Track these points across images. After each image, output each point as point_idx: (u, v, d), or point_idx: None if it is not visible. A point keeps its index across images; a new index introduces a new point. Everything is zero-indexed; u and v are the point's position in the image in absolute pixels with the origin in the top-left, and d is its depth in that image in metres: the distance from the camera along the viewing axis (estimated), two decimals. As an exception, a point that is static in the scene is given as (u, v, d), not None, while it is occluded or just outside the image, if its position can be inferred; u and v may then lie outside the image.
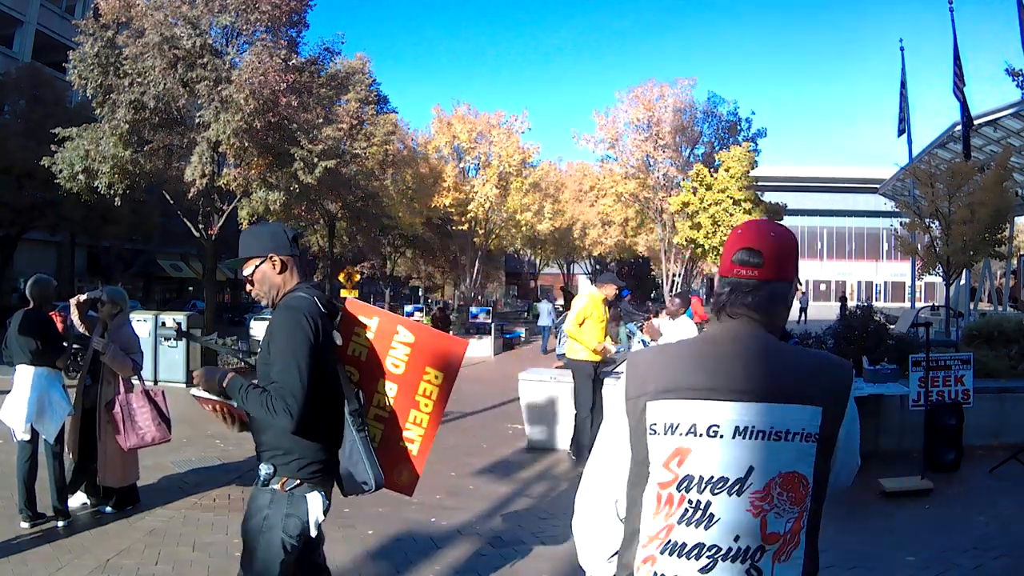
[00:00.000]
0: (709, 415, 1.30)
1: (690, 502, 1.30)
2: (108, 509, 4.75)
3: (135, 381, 4.69)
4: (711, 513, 1.29)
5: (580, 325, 6.61)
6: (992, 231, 12.39)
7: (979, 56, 78.16)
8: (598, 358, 6.58)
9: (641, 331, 7.85)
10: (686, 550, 1.30)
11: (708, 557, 1.28)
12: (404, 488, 4.42)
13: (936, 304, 13.69)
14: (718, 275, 1.51)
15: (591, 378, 6.47)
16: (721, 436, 1.30)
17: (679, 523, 1.30)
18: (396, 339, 4.27)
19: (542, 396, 7.12)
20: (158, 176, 14.22)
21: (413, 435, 4.30)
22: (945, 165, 14.19)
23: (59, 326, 4.81)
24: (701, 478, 1.30)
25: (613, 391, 1.53)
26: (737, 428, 1.29)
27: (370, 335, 4.29)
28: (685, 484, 1.31)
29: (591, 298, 6.72)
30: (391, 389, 4.26)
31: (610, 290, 6.70)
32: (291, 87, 13.36)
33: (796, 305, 29.16)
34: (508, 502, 5.22)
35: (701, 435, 1.30)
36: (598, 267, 45.74)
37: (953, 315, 13.55)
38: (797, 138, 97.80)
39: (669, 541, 1.31)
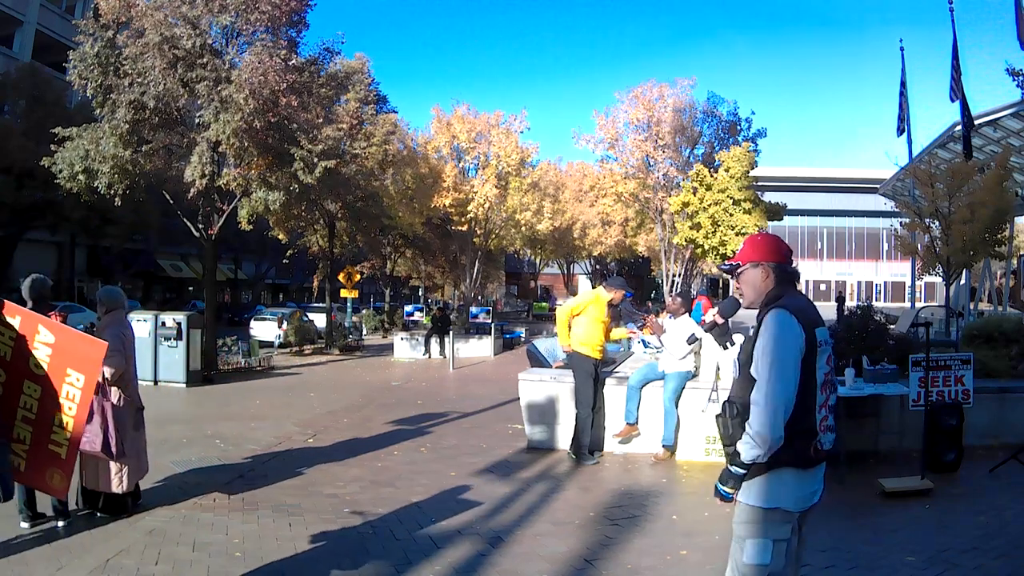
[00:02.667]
0: (825, 335, 2.44)
1: (830, 383, 2.44)
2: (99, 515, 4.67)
3: (110, 387, 4.57)
4: (834, 383, 2.51)
5: (574, 316, 6.58)
6: (992, 231, 12.39)
7: (979, 56, 78.21)
8: (599, 356, 6.56)
9: (642, 330, 7.81)
10: (830, 405, 2.43)
11: (833, 406, 2.45)
12: (56, 491, 4.20)
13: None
14: (778, 264, 2.53)
15: (592, 376, 6.45)
16: (828, 343, 2.46)
17: (831, 394, 2.44)
18: (38, 339, 4.07)
19: (542, 396, 7.11)
20: (158, 176, 14.18)
21: (60, 439, 4.09)
22: (945, 165, 14.19)
23: (59, 326, 4.79)
24: (831, 368, 2.46)
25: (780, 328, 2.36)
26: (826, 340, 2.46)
27: (13, 335, 4.06)
28: (828, 372, 2.43)
29: (595, 296, 6.70)
30: (36, 391, 4.07)
31: (617, 295, 6.66)
32: (291, 87, 13.33)
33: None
34: (508, 502, 5.21)
35: (827, 344, 2.43)
36: (598, 267, 45.76)
37: (953, 315, 13.55)
38: (797, 138, 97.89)
39: (828, 404, 2.41)
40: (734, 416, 2.38)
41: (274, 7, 13.21)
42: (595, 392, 6.47)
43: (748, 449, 2.29)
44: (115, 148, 12.40)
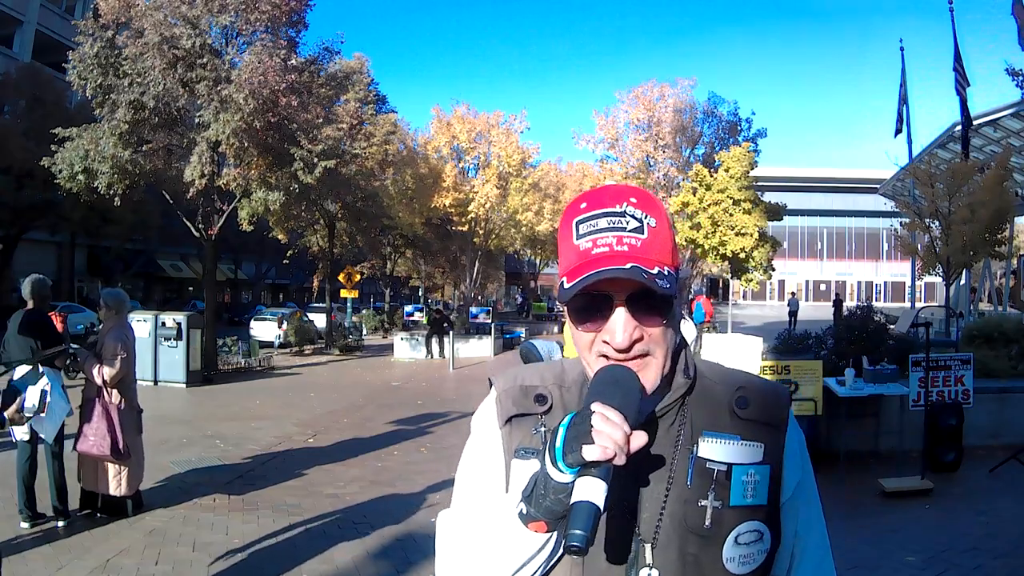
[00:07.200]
0: None
1: None
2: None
3: (111, 390, 4.59)
4: None
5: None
6: (992, 231, 12.39)
7: (979, 56, 78.19)
8: None
9: None
10: None
11: None
12: None
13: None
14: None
15: None
16: None
17: None
18: None
19: (542, 396, 7.10)
20: (158, 176, 14.17)
21: None
22: (945, 165, 14.18)
23: (59, 326, 4.79)
24: None
25: None
26: None
27: None
28: None
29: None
30: None
31: None
32: (291, 87, 13.33)
33: (785, 309, 29.06)
34: (508, 502, 5.21)
35: None
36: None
37: (953, 315, 13.55)
38: (797, 138, 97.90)
39: None
40: None
41: (274, 7, 13.21)
42: None
43: None
44: (115, 148, 12.39)
